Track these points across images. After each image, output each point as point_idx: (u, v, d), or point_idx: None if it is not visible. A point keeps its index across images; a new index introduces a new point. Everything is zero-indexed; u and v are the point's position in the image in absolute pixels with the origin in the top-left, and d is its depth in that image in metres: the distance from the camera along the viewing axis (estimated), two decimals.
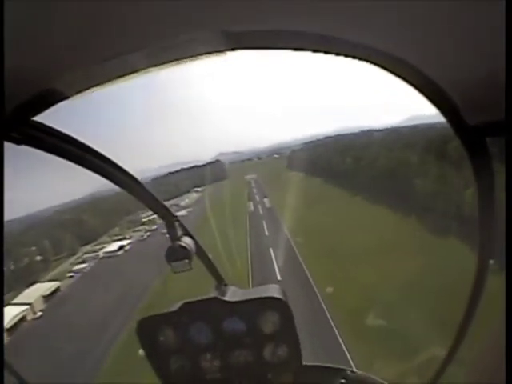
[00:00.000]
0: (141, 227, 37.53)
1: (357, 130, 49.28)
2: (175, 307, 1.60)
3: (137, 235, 36.73)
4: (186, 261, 1.60)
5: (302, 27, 0.72)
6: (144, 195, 1.58)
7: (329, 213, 31.43)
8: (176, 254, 1.60)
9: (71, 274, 30.69)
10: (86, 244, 36.68)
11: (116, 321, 20.44)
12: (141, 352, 1.72)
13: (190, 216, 35.56)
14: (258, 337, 1.57)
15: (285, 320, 1.55)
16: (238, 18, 0.70)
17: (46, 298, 26.44)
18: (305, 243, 26.39)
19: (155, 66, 0.84)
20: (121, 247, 34.18)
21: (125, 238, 36.45)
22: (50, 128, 1.07)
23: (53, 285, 28.03)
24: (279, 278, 21.64)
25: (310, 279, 21.51)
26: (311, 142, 56.01)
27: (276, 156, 64.30)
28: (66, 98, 0.90)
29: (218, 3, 0.63)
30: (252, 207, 42.31)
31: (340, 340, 15.27)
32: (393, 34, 0.75)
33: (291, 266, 23.84)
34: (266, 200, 43.25)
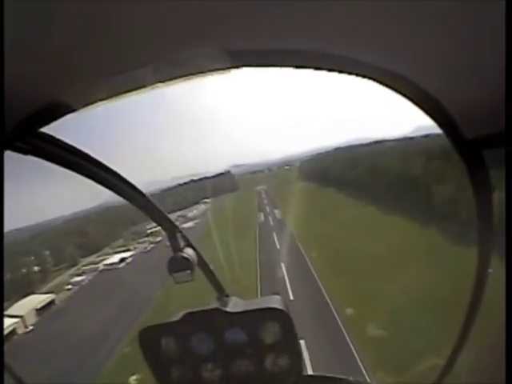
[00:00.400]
0: (145, 239, 36.48)
1: (367, 141, 48.84)
2: (177, 317, 1.61)
3: (141, 247, 35.62)
4: (188, 271, 1.62)
5: (304, 45, 0.75)
6: (147, 207, 1.61)
7: (344, 224, 29.03)
8: (178, 264, 1.62)
9: (69, 287, 29.37)
10: (89, 255, 35.63)
11: (110, 340, 18.83)
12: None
13: (197, 227, 34.51)
14: (259, 347, 1.57)
15: (286, 330, 1.56)
16: (242, 36, 0.72)
17: (39, 311, 24.85)
18: (319, 257, 24.45)
19: (161, 81, 0.85)
20: (122, 259, 32.82)
21: (128, 250, 35.35)
22: (56, 139, 1.09)
23: (47, 297, 26.60)
24: (291, 297, 19.09)
25: (328, 299, 19.05)
26: (321, 153, 55.97)
27: (287, 167, 64.63)
28: (74, 110, 0.91)
29: (223, 21, 0.65)
30: (262, 218, 40.79)
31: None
32: (391, 49, 0.76)
33: (305, 283, 21.56)
34: (276, 211, 41.74)
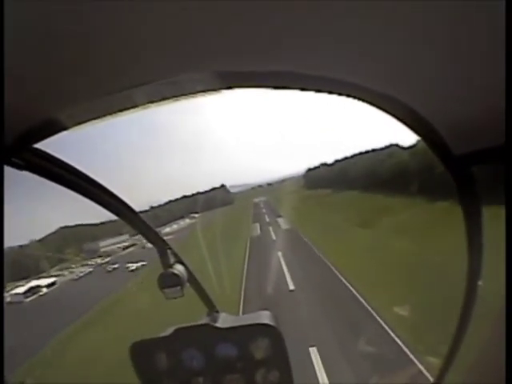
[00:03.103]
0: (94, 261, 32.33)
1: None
2: (167, 332, 1.61)
3: (77, 271, 30.83)
4: (178, 288, 1.61)
5: (291, 67, 0.76)
6: (138, 224, 1.62)
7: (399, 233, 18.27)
8: (168, 280, 1.61)
9: None
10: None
11: None
12: None
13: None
14: (249, 362, 1.58)
15: (276, 346, 1.56)
16: (231, 59, 0.74)
17: None
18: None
19: (153, 102, 0.88)
20: (30, 289, 26.07)
21: (57, 275, 30.57)
22: (51, 155, 1.10)
23: None
24: None
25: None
26: (326, 164, 53.15)
27: (288, 180, 60.30)
28: (66, 128, 0.92)
29: (216, 43, 0.67)
30: (258, 231, 32.10)
31: None
32: (377, 68, 0.76)
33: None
34: (280, 220, 34.14)
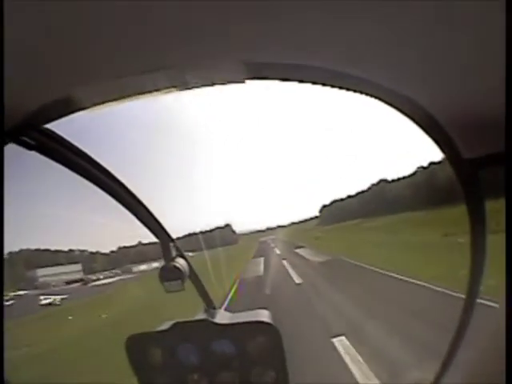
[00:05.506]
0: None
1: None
2: (165, 326, 1.59)
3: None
4: (179, 281, 1.62)
5: (316, 62, 0.77)
6: (145, 217, 1.65)
7: None
8: (170, 274, 1.63)
9: None
10: None
11: None
12: None
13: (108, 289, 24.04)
14: (246, 359, 1.56)
15: (273, 344, 1.54)
16: (256, 49, 0.74)
17: None
18: None
19: (175, 87, 0.87)
20: None
21: None
22: (63, 138, 1.11)
23: None
24: None
25: None
26: (342, 199, 51.44)
27: (301, 223, 55.50)
28: (82, 109, 0.91)
29: (240, 33, 0.68)
30: (261, 271, 19.68)
31: None
32: (391, 68, 0.78)
33: None
34: (301, 251, 23.73)
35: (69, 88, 0.81)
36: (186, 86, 0.86)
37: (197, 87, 0.87)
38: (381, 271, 13.09)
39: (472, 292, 1.19)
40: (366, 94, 0.86)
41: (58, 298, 23.31)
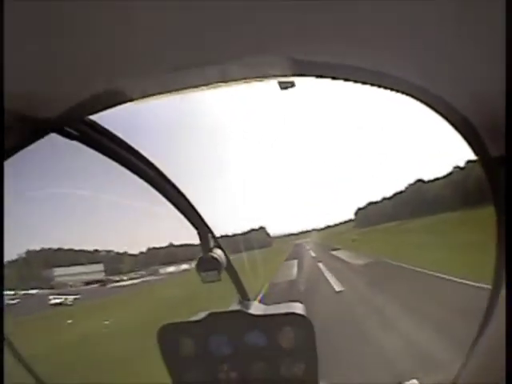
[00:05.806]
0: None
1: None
2: (199, 317, 1.62)
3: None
4: (216, 271, 1.65)
5: (357, 62, 0.79)
6: (186, 208, 1.68)
7: None
8: (207, 264, 1.66)
9: None
10: None
11: None
12: None
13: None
14: (277, 351, 1.57)
15: (306, 338, 1.54)
16: (304, 47, 0.76)
17: None
18: None
19: (224, 81, 0.87)
20: None
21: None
22: (104, 128, 1.13)
23: None
24: None
25: None
26: (377, 201, 48.74)
27: (336, 226, 55.85)
28: (128, 101, 0.92)
29: (290, 31, 0.69)
30: (294, 275, 17.00)
31: None
32: (426, 68, 0.80)
33: None
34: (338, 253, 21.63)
35: (115, 80, 0.81)
36: (233, 80, 0.86)
37: (246, 82, 0.87)
38: (429, 272, 11.61)
39: (497, 284, 1.16)
40: (402, 93, 0.87)
41: (71, 297, 22.57)
